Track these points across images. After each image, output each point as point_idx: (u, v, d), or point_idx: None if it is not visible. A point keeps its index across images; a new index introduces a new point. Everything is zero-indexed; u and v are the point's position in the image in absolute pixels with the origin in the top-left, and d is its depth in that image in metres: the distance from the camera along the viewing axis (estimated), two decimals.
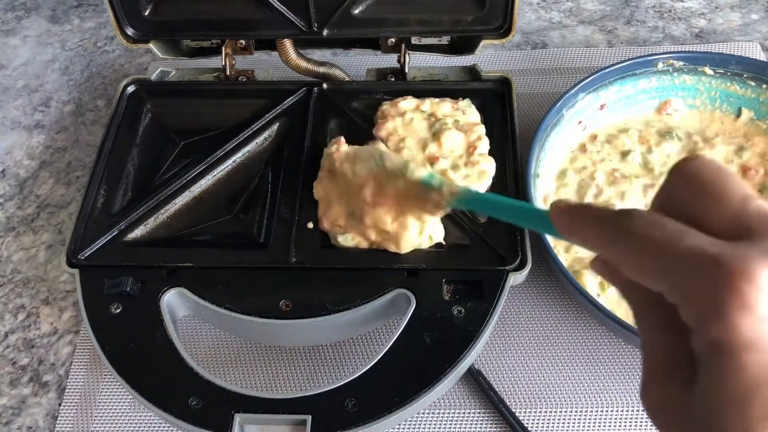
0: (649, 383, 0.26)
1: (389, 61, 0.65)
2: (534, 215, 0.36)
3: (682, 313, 0.24)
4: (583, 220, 0.28)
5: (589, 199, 0.59)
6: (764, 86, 0.62)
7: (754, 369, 0.22)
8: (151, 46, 0.63)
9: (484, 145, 0.57)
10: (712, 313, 0.22)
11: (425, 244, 0.52)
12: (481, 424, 0.52)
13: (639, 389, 0.26)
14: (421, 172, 0.46)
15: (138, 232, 0.55)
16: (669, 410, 0.25)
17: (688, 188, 0.25)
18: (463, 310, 0.49)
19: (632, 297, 0.27)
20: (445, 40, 0.65)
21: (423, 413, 0.52)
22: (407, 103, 0.60)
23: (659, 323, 0.26)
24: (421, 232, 0.51)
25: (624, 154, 0.62)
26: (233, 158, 0.59)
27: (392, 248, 0.51)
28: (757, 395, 0.22)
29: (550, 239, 0.55)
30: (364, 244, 0.52)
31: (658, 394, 0.25)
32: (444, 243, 0.52)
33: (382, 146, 0.55)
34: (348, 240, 0.52)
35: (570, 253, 0.56)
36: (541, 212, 0.34)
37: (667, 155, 0.62)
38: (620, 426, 0.51)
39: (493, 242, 0.52)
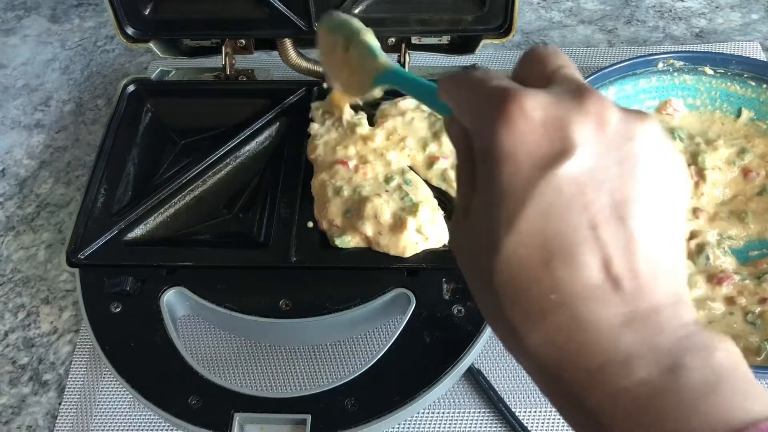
0: (452, 219, 0.31)
1: (391, 59, 0.65)
2: (430, 91, 0.37)
3: (471, 134, 0.28)
4: (449, 81, 0.31)
5: None
6: (764, 86, 0.62)
7: (508, 178, 0.25)
8: (151, 45, 0.63)
9: None
10: (487, 126, 0.26)
11: (431, 246, 0.52)
12: (481, 423, 0.52)
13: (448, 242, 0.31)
14: (371, 38, 0.47)
15: (138, 232, 0.55)
16: (458, 237, 0.30)
17: (525, 62, 0.30)
18: (463, 310, 0.49)
19: (454, 138, 0.31)
20: (445, 39, 0.65)
21: (423, 413, 0.52)
22: (408, 102, 0.60)
23: (468, 163, 0.29)
24: (419, 230, 0.51)
25: None
26: (233, 158, 0.59)
27: (392, 252, 0.51)
28: (507, 201, 0.25)
29: None
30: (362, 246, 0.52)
31: (453, 225, 0.31)
32: (446, 244, 0.52)
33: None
34: (345, 242, 0.52)
35: None
36: (432, 87, 0.36)
37: None
38: None
39: None
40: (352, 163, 0.55)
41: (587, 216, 0.24)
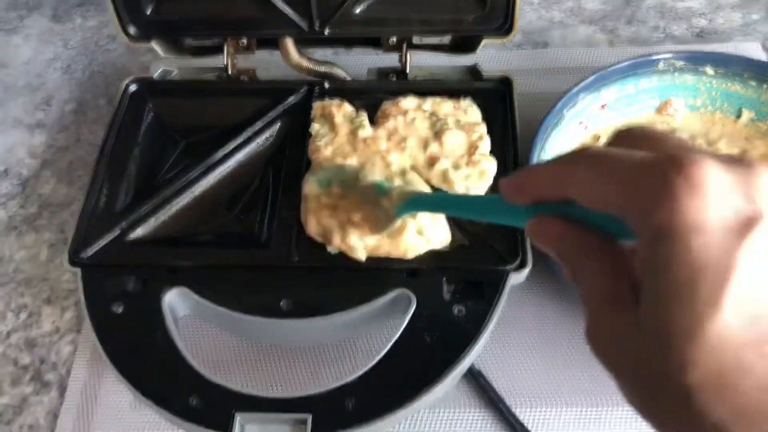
0: (593, 321, 0.26)
1: (390, 60, 0.65)
2: (485, 202, 0.35)
3: (632, 220, 0.24)
4: (531, 175, 0.28)
5: None
6: (765, 86, 0.62)
7: (700, 252, 0.21)
8: (153, 44, 0.63)
9: (486, 144, 0.57)
10: (662, 197, 0.22)
11: (433, 246, 0.52)
12: (481, 423, 0.52)
13: (585, 333, 0.26)
14: (373, 176, 0.46)
15: (140, 232, 0.55)
16: (616, 340, 0.25)
17: (633, 140, 0.26)
18: (463, 310, 0.49)
19: (567, 248, 0.27)
20: (446, 39, 0.65)
21: (423, 413, 0.53)
22: (409, 102, 0.60)
23: (599, 263, 0.26)
24: (421, 231, 0.51)
25: None
26: (235, 158, 0.59)
27: (393, 254, 0.51)
28: (703, 279, 0.21)
29: None
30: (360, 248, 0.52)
31: (603, 327, 0.26)
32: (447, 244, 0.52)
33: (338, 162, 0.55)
34: (335, 249, 0.52)
35: None
36: (490, 197, 0.33)
37: None
38: (620, 426, 0.51)
39: (494, 242, 0.52)
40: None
41: None
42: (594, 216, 0.26)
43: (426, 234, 0.51)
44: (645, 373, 0.24)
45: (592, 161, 0.25)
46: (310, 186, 0.53)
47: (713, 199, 0.22)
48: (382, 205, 0.45)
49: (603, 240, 0.26)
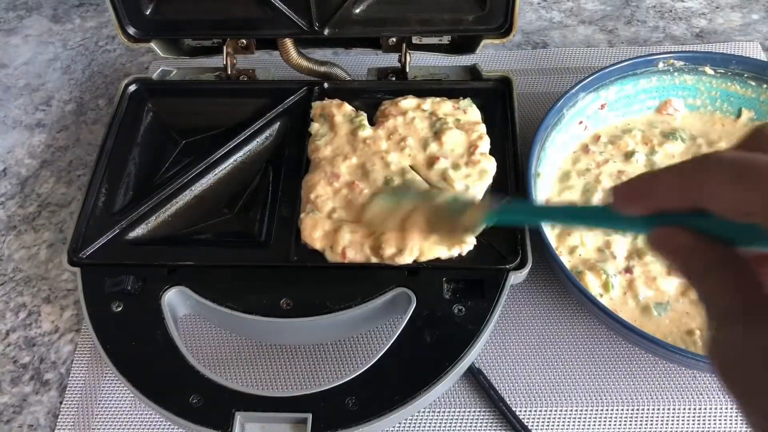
0: (718, 338, 0.24)
1: (390, 60, 0.65)
2: (591, 213, 0.33)
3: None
4: (652, 183, 0.27)
5: (595, 200, 0.59)
6: (765, 86, 0.62)
7: None
8: (153, 45, 0.63)
9: (485, 144, 0.57)
10: None
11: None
12: (481, 423, 0.52)
13: (707, 352, 0.25)
14: (444, 197, 0.45)
15: (139, 231, 0.55)
16: (745, 360, 0.23)
17: (760, 140, 0.25)
18: (463, 309, 0.49)
19: (694, 261, 0.26)
20: (445, 39, 0.65)
21: (423, 412, 0.52)
22: (408, 102, 0.60)
23: (728, 276, 0.25)
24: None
25: (628, 155, 0.62)
26: (234, 157, 0.59)
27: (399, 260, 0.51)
28: None
29: (551, 239, 0.55)
30: (359, 258, 0.52)
31: (731, 338, 0.24)
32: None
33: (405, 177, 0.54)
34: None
35: (574, 255, 0.56)
36: (596, 208, 0.32)
37: (672, 156, 0.62)
38: (620, 426, 0.51)
39: (494, 241, 0.52)
40: (345, 179, 0.55)
41: None
42: (725, 226, 0.25)
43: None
44: None
45: (728, 167, 0.24)
46: (378, 205, 0.51)
47: None
48: (459, 219, 0.44)
49: (730, 251, 0.25)
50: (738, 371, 0.24)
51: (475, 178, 0.55)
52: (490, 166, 0.56)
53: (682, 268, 0.26)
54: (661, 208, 0.27)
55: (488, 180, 0.56)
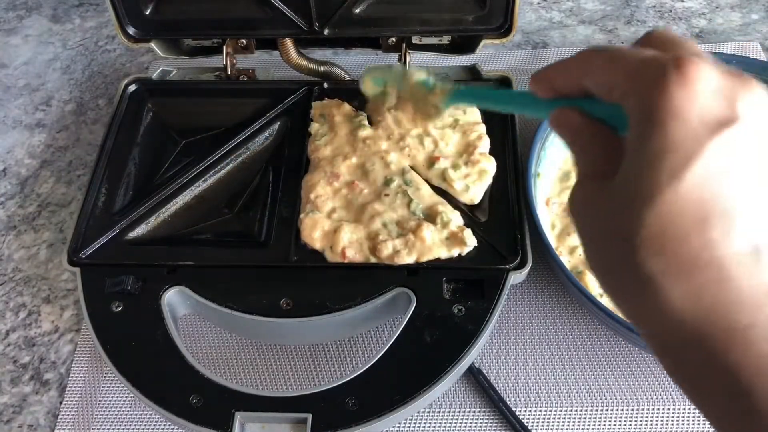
0: (577, 190, 0.30)
1: (390, 60, 0.65)
2: (517, 96, 0.38)
3: (629, 107, 0.27)
4: (554, 69, 0.31)
5: None
6: (765, 86, 0.62)
7: (675, 134, 0.25)
8: (152, 45, 0.63)
9: (485, 144, 0.57)
10: (655, 85, 0.26)
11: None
12: (481, 422, 0.52)
13: (568, 200, 0.31)
14: (419, 74, 0.47)
15: (139, 231, 0.55)
16: (590, 205, 0.29)
17: (656, 41, 0.30)
18: (463, 309, 0.49)
19: (579, 135, 0.31)
20: (445, 39, 0.65)
21: (423, 412, 0.52)
22: None
23: (598, 146, 0.30)
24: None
25: None
26: (234, 157, 0.59)
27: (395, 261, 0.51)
28: (671, 156, 0.25)
29: (551, 239, 0.55)
30: (359, 258, 0.52)
31: (584, 190, 0.30)
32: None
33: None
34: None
35: (574, 255, 0.56)
36: (522, 92, 0.36)
37: None
38: (620, 426, 0.51)
39: (494, 241, 0.52)
40: (345, 178, 0.55)
41: (748, 184, 0.25)
42: (603, 107, 0.29)
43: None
44: (604, 233, 0.28)
45: (607, 55, 0.29)
46: (367, 83, 0.52)
47: (699, 95, 0.25)
48: (430, 100, 0.46)
49: (608, 129, 0.30)
50: (582, 215, 0.30)
51: (474, 178, 0.55)
52: (489, 166, 0.56)
53: (569, 141, 0.32)
54: (562, 90, 0.31)
55: (488, 180, 0.56)
